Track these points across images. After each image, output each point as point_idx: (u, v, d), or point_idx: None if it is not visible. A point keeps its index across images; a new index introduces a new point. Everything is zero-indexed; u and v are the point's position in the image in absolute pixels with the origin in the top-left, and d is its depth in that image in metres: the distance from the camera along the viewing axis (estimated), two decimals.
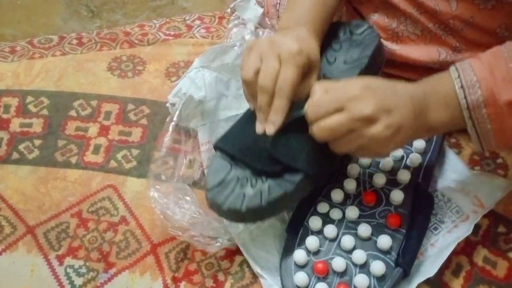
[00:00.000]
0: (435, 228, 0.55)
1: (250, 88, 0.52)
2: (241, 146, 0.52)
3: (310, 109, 0.48)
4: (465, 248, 0.55)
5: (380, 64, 0.61)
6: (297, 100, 0.51)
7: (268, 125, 0.50)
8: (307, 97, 0.49)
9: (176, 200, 0.55)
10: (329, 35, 0.61)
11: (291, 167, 0.50)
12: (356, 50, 0.59)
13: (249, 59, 0.51)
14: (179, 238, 0.55)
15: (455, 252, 0.54)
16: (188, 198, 0.56)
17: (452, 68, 0.49)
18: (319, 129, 0.47)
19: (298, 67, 0.50)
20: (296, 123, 0.50)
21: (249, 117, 0.53)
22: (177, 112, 0.63)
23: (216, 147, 0.54)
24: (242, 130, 0.54)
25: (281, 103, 0.50)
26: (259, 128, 0.51)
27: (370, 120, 0.45)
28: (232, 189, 0.49)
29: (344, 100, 0.46)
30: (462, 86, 0.47)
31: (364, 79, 0.48)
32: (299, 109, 0.49)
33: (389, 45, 0.62)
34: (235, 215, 0.50)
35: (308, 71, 0.53)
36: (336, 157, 0.51)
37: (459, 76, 0.48)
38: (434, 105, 0.48)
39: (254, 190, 0.49)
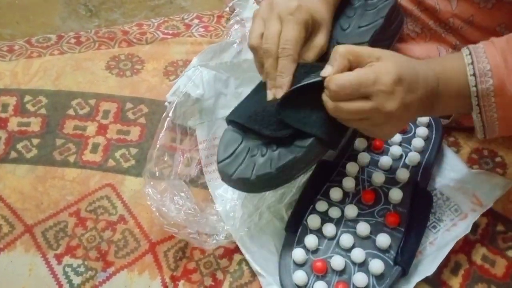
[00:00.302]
0: (434, 227, 0.55)
1: (258, 55, 0.51)
2: (251, 114, 0.51)
3: (333, 86, 0.45)
4: (464, 246, 0.55)
5: (398, 27, 0.59)
6: (305, 63, 0.50)
7: (276, 89, 0.49)
8: (316, 59, 0.48)
9: (171, 196, 0.55)
10: (343, 3, 0.59)
11: (301, 132, 0.49)
12: (370, 14, 0.57)
13: (254, 26, 0.50)
14: (175, 235, 0.54)
15: (453, 251, 0.54)
16: (183, 194, 0.56)
17: (465, 52, 0.48)
18: (337, 109, 0.46)
19: (298, 24, 0.49)
20: (306, 86, 0.48)
21: (259, 89, 0.53)
22: (172, 108, 0.63)
23: (228, 120, 0.53)
24: (252, 100, 0.53)
25: (285, 63, 0.48)
26: (269, 95, 0.50)
27: (391, 115, 0.45)
28: (243, 159, 0.49)
29: (373, 91, 0.44)
30: (474, 74, 0.46)
31: (396, 66, 0.45)
32: (308, 71, 0.48)
33: None
34: (245, 184, 0.49)
35: (314, 31, 0.51)
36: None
37: (472, 63, 0.47)
38: (446, 94, 0.48)
39: (264, 158, 0.49)
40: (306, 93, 0.48)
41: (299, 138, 0.49)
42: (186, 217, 0.55)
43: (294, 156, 0.49)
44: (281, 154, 0.49)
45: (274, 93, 0.50)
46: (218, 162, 0.51)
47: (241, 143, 0.51)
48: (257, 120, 0.51)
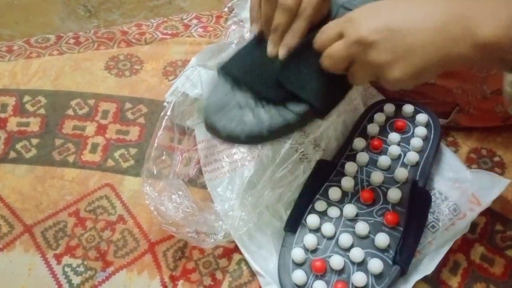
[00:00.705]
0: (433, 226, 0.55)
1: (269, 5, 0.48)
2: (246, 69, 0.49)
3: (316, 37, 0.44)
4: (463, 246, 0.55)
5: None
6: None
7: (282, 47, 0.48)
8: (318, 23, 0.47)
9: (169, 195, 0.56)
10: None
11: (297, 96, 0.47)
12: None
13: None
14: (173, 234, 0.54)
15: (452, 250, 0.54)
16: (181, 193, 0.56)
17: None
18: (323, 59, 0.44)
19: None
20: (308, 50, 0.47)
21: (257, 42, 0.51)
22: (170, 107, 0.63)
23: (220, 71, 0.50)
24: (248, 53, 0.51)
25: (301, 26, 0.47)
26: (271, 50, 0.48)
27: (366, 44, 0.40)
28: (233, 115, 0.48)
29: (342, 23, 0.42)
30: None
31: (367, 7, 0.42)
32: (310, 37, 0.47)
33: None
34: (234, 140, 0.48)
35: None
36: (343, 93, 0.49)
37: None
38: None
39: (255, 117, 0.47)
40: (308, 57, 0.47)
41: (292, 102, 0.48)
42: (184, 215, 0.55)
43: (287, 122, 0.47)
44: (273, 118, 0.47)
45: (278, 50, 0.48)
46: (206, 114, 0.48)
47: (231, 96, 0.48)
48: (252, 76, 0.48)
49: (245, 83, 0.49)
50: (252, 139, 0.48)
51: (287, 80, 0.48)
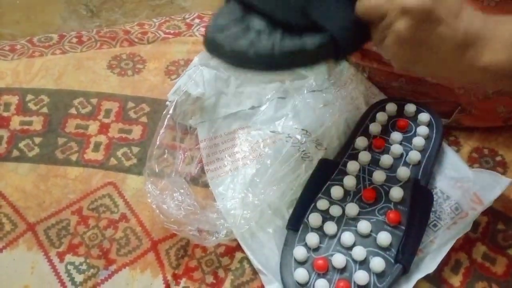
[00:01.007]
0: (434, 225, 0.55)
1: None
2: None
3: None
4: (464, 245, 0.56)
5: None
6: None
7: None
8: None
9: (171, 193, 0.56)
10: None
11: (317, 26, 0.44)
12: None
13: None
14: (175, 232, 0.55)
15: (454, 249, 0.54)
16: (182, 191, 0.56)
17: None
18: (358, 5, 0.43)
19: None
20: None
21: None
22: (172, 106, 0.63)
23: None
24: None
25: None
26: None
27: (404, 12, 0.40)
28: (240, 31, 0.43)
29: None
30: None
31: None
32: None
33: None
34: (240, 59, 0.44)
35: None
36: (364, 40, 0.46)
37: None
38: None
39: (268, 38, 0.43)
40: None
41: (309, 33, 0.44)
42: (185, 214, 0.55)
43: (303, 48, 0.44)
44: (287, 40, 0.44)
45: None
46: (207, 31, 0.44)
47: (240, 17, 0.44)
48: (271, 2, 0.44)
49: (263, 9, 0.44)
50: (261, 58, 0.43)
51: (313, 8, 0.44)
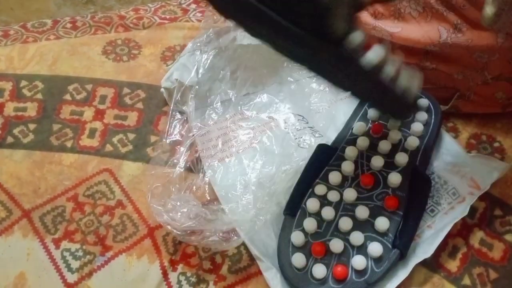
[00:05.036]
0: (432, 210, 0.55)
1: None
2: None
3: None
4: (462, 230, 0.56)
5: None
6: None
7: None
8: None
9: (178, 209, 0.54)
10: None
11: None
12: None
13: None
14: (194, 243, 0.53)
15: (451, 235, 0.54)
16: (189, 205, 0.54)
17: None
18: None
19: None
20: None
21: None
22: (173, 99, 0.62)
23: None
24: None
25: None
26: None
27: None
28: None
29: None
30: None
31: None
32: None
33: (390, 25, 0.61)
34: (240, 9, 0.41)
35: None
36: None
37: None
38: None
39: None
40: None
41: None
42: (198, 222, 0.53)
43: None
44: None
45: None
46: None
47: None
48: None
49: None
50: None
51: None
